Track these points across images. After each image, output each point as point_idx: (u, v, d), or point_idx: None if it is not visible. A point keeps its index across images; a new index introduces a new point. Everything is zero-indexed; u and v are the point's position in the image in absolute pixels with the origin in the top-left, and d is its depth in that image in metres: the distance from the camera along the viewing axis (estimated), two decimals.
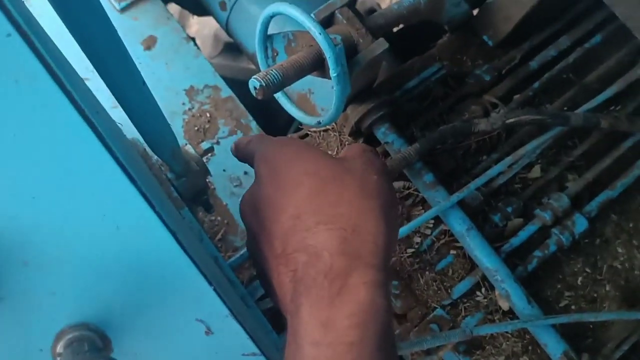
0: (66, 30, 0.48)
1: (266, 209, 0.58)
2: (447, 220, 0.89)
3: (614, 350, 0.88)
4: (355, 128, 0.94)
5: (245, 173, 1.05)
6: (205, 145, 0.86)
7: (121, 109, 0.58)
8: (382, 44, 0.80)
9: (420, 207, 0.93)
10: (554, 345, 0.84)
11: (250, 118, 1.11)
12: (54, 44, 0.51)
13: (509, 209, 0.93)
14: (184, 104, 1.10)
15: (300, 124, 0.98)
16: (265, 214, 0.58)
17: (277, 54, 0.81)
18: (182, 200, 0.76)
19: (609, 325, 0.90)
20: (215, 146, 1.05)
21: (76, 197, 0.40)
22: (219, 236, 0.99)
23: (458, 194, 0.89)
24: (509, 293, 0.85)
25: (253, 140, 0.69)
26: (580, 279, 0.93)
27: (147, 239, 0.43)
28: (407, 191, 0.94)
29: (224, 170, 1.05)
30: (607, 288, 0.92)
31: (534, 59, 1.03)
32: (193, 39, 1.19)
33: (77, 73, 0.58)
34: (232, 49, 1.87)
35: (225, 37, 1.86)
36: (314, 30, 0.69)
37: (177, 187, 0.77)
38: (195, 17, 1.96)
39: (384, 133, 0.93)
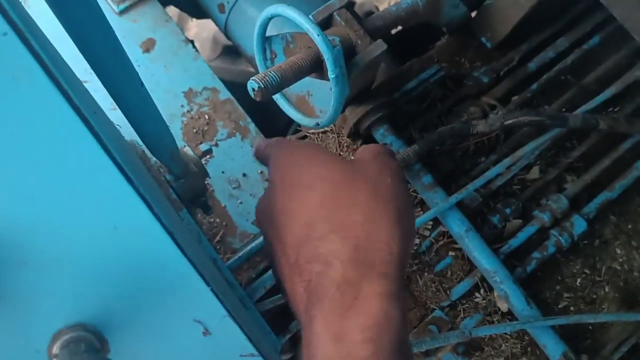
0: (64, 32, 0.48)
1: (279, 217, 0.56)
2: (446, 221, 0.89)
3: (613, 352, 0.88)
4: (354, 129, 0.95)
5: (244, 175, 1.05)
6: (203, 147, 0.85)
7: (119, 112, 0.58)
8: (380, 46, 0.80)
9: (419, 209, 0.93)
10: (553, 347, 0.84)
11: (249, 120, 1.11)
12: (51, 44, 0.51)
13: (508, 210, 0.93)
14: (182, 106, 1.10)
15: (299, 125, 0.99)
16: (278, 222, 0.56)
17: (275, 56, 0.81)
18: (181, 201, 0.75)
19: (608, 327, 0.90)
20: (213, 148, 1.05)
21: (73, 197, 0.40)
22: (217, 238, 0.98)
23: (457, 195, 0.89)
24: (508, 294, 0.85)
25: (270, 144, 0.67)
26: (579, 280, 0.93)
27: (144, 240, 0.43)
28: None
29: (222, 172, 1.05)
30: (606, 289, 0.92)
31: (532, 61, 1.03)
32: (192, 42, 1.19)
33: (74, 74, 0.58)
34: (231, 51, 1.87)
35: (224, 40, 1.86)
36: (312, 31, 0.69)
37: (176, 188, 0.77)
38: (194, 19, 1.96)
39: (382, 134, 0.93)
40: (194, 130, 1.08)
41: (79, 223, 0.41)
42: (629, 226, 0.97)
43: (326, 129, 0.99)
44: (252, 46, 0.81)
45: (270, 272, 0.87)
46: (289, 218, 0.55)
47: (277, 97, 0.85)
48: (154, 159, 0.73)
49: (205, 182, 0.87)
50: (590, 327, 0.90)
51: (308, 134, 1.01)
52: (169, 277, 0.45)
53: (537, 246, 0.91)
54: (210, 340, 0.50)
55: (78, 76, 0.62)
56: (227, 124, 1.09)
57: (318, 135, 1.00)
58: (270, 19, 0.75)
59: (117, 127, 0.74)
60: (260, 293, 0.85)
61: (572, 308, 0.91)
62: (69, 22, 0.47)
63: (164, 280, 0.45)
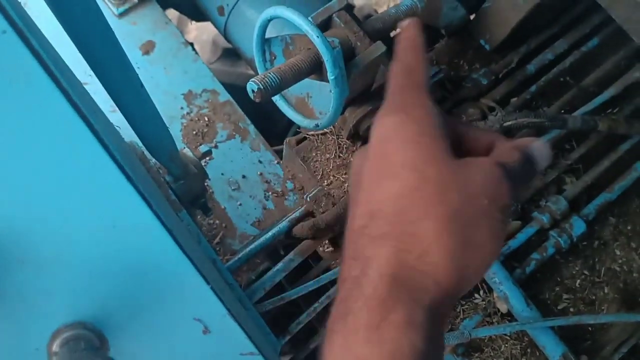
0: (63, 35, 0.48)
1: (360, 190, 0.48)
2: None
3: (612, 353, 0.88)
4: (353, 131, 0.95)
5: (244, 177, 1.05)
6: (203, 148, 0.86)
7: (119, 113, 0.59)
8: (379, 47, 0.80)
9: None
10: (552, 348, 0.84)
11: (249, 122, 1.11)
12: (51, 45, 0.52)
13: None
14: (182, 108, 1.10)
15: (299, 127, 0.99)
16: (358, 195, 0.49)
17: (275, 58, 0.81)
18: (180, 203, 0.76)
19: (607, 328, 0.90)
20: (213, 150, 1.05)
21: (72, 195, 0.40)
22: (217, 239, 0.99)
23: None
24: (508, 295, 0.85)
25: (387, 100, 0.52)
26: (578, 281, 0.93)
27: (144, 238, 0.43)
28: None
29: (222, 174, 1.05)
30: (606, 290, 0.92)
31: (531, 63, 1.04)
32: (191, 44, 1.19)
33: (73, 74, 0.59)
34: (231, 54, 1.88)
35: (223, 42, 1.87)
36: (312, 33, 0.69)
37: (175, 190, 0.77)
38: (194, 23, 1.96)
39: None
40: (194, 132, 1.09)
41: (77, 221, 0.41)
42: (628, 227, 0.97)
43: (326, 130, 1.00)
44: (251, 48, 0.81)
45: (269, 274, 0.87)
46: (364, 197, 0.48)
47: (277, 99, 0.85)
48: (154, 160, 0.73)
49: (205, 183, 0.88)
50: (590, 328, 0.90)
51: (307, 136, 1.01)
52: (169, 275, 0.45)
53: (536, 247, 0.91)
54: (210, 338, 0.50)
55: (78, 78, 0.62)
56: (226, 126, 1.10)
57: (317, 136, 1.00)
58: (269, 20, 0.75)
59: (117, 128, 0.74)
60: (260, 294, 0.85)
61: (571, 309, 0.91)
62: (69, 24, 0.47)
63: (163, 279, 0.45)
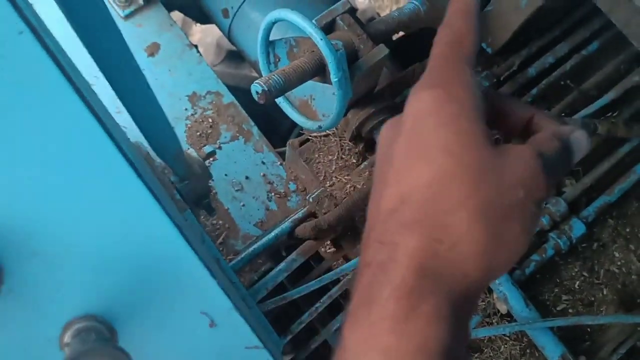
0: (67, 37, 0.49)
1: (390, 168, 0.45)
2: None
3: (611, 354, 0.89)
4: (356, 133, 0.96)
5: (247, 178, 1.06)
6: (207, 149, 0.87)
7: (125, 114, 0.59)
8: (382, 50, 0.81)
9: None
10: (551, 348, 0.85)
11: (252, 124, 1.12)
12: (59, 44, 0.53)
13: None
14: (186, 109, 1.11)
15: (302, 129, 1.00)
16: (387, 173, 0.46)
17: (279, 60, 0.82)
18: (185, 202, 0.77)
19: (606, 329, 0.91)
20: (217, 151, 1.06)
21: (85, 191, 0.41)
22: (220, 240, 0.99)
23: None
24: (507, 296, 0.86)
25: (428, 72, 0.49)
26: (577, 282, 0.93)
27: (153, 232, 0.44)
28: None
29: (225, 175, 1.06)
30: (605, 292, 0.93)
31: (532, 66, 1.05)
32: (195, 47, 1.20)
33: (82, 75, 0.60)
34: (234, 56, 1.89)
35: (227, 45, 1.88)
36: (316, 36, 0.70)
37: (180, 190, 0.78)
38: (198, 25, 1.97)
39: None
40: (198, 134, 1.10)
41: (90, 217, 0.42)
42: (627, 230, 0.97)
43: (328, 132, 1.01)
44: (255, 51, 0.82)
45: (271, 274, 0.88)
46: (394, 177, 0.45)
47: (281, 101, 0.86)
48: (159, 160, 0.74)
49: (209, 184, 0.89)
50: (589, 329, 0.91)
51: (310, 137, 1.02)
52: (177, 270, 0.47)
53: (536, 249, 0.92)
54: (216, 332, 0.51)
55: None
56: (230, 128, 1.11)
57: (320, 138, 1.01)
58: (274, 23, 0.76)
59: (123, 128, 0.75)
60: (262, 294, 0.86)
61: (570, 310, 0.91)
62: (79, 25, 0.48)
63: (171, 274, 0.46)
